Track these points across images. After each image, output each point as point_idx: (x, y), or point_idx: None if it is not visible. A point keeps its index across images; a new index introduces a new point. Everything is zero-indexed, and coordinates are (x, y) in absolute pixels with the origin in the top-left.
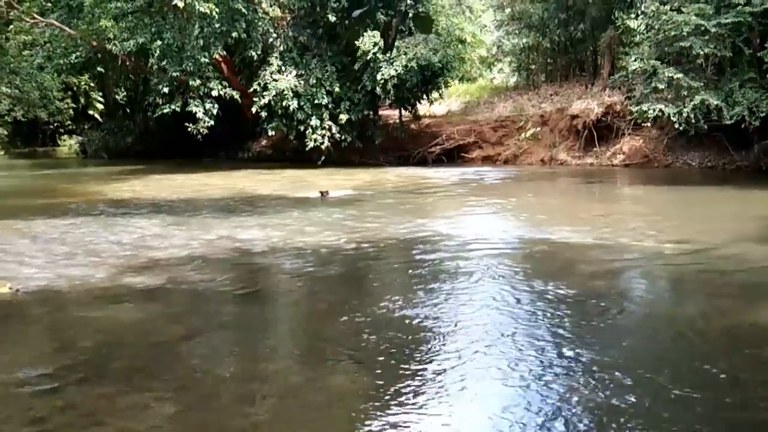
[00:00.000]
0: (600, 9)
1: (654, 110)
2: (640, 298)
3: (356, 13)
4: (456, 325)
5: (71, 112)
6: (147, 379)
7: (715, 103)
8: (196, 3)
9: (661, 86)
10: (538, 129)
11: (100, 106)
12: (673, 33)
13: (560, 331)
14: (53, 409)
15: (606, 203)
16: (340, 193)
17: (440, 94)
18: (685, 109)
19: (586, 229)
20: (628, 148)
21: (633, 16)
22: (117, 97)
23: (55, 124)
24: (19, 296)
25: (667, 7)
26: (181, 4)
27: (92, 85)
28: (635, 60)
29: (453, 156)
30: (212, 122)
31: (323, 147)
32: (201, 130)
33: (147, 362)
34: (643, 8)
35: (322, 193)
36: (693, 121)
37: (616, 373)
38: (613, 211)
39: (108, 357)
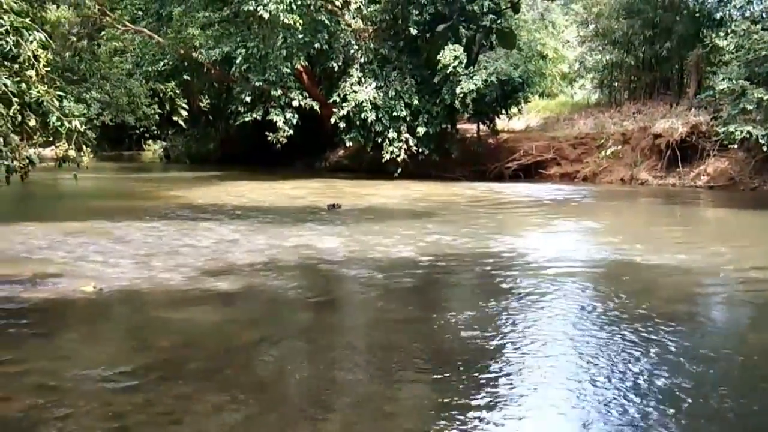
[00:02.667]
0: (687, 27)
1: (741, 132)
2: (721, 323)
3: (440, 27)
4: (527, 342)
5: (157, 117)
6: (222, 382)
7: None
8: (281, 14)
9: (749, 107)
10: (619, 147)
11: (184, 113)
12: (764, 53)
13: (634, 354)
14: (132, 406)
15: (687, 225)
16: (419, 205)
17: (519, 110)
18: None
19: (666, 251)
20: (712, 169)
21: (722, 34)
22: (201, 104)
23: (141, 129)
24: (102, 295)
25: (759, 26)
26: (266, 15)
27: (177, 92)
28: (723, 79)
29: (530, 172)
30: (291, 132)
31: (400, 159)
32: (280, 139)
33: (223, 365)
34: (733, 27)
35: (331, 205)
36: None
37: (692, 401)
38: (695, 234)
39: (185, 358)
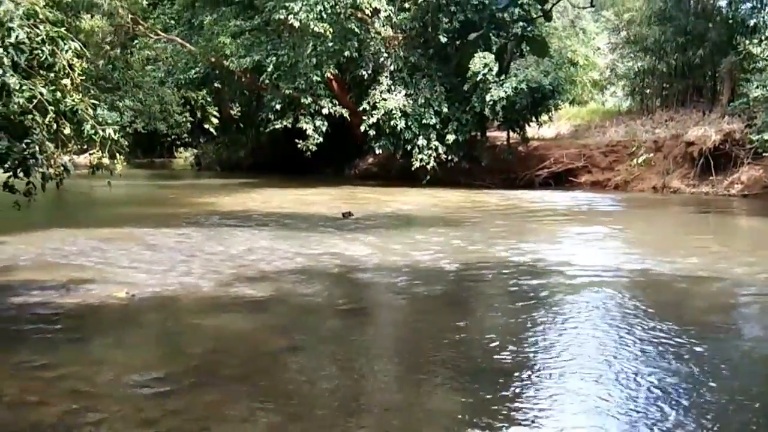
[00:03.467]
0: (721, 33)
1: None
2: (760, 335)
3: (472, 36)
4: (558, 351)
5: (188, 125)
6: (253, 388)
7: None
8: (311, 22)
9: None
10: (651, 155)
11: (215, 121)
12: None
13: (670, 366)
14: (164, 412)
15: (721, 234)
16: (448, 212)
17: (550, 117)
18: None
19: (700, 261)
20: (746, 177)
21: (756, 41)
22: (231, 112)
23: (173, 137)
24: (135, 301)
25: None
26: (296, 24)
27: (209, 99)
28: (757, 87)
29: (561, 180)
30: (321, 139)
31: (429, 167)
32: (310, 147)
33: (254, 371)
34: (767, 33)
35: (344, 214)
36: None
37: (730, 414)
38: (729, 243)
39: (217, 364)
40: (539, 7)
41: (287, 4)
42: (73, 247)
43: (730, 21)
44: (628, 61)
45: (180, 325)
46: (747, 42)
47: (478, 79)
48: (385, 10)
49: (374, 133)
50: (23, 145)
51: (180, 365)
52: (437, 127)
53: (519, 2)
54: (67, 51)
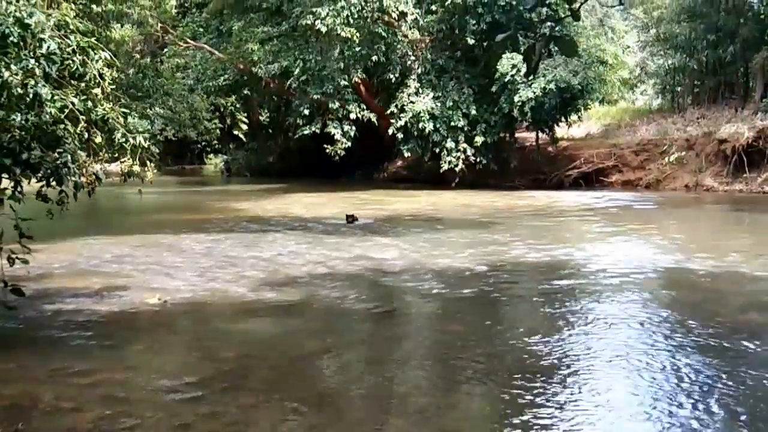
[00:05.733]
0: (752, 29)
1: None
2: None
3: (500, 37)
4: (592, 353)
5: (218, 131)
6: (285, 392)
7: None
8: (338, 27)
9: None
10: (683, 153)
11: (245, 127)
12: None
13: (704, 366)
14: (197, 416)
15: (757, 233)
16: (473, 215)
17: (579, 117)
18: None
19: (735, 259)
20: None
21: None
22: (260, 118)
23: (203, 143)
24: (167, 307)
25: None
26: (323, 29)
27: (238, 106)
28: None
29: (591, 180)
30: (349, 144)
31: (458, 169)
32: (339, 152)
33: (285, 376)
34: None
35: (349, 217)
36: None
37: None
38: (764, 241)
39: (249, 368)
40: (567, 6)
41: (314, 10)
42: (106, 254)
43: (762, 16)
44: (658, 59)
45: (212, 330)
46: None
47: (506, 80)
48: (412, 13)
49: (402, 136)
50: (55, 155)
51: (212, 370)
52: (465, 129)
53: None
54: (97, 61)
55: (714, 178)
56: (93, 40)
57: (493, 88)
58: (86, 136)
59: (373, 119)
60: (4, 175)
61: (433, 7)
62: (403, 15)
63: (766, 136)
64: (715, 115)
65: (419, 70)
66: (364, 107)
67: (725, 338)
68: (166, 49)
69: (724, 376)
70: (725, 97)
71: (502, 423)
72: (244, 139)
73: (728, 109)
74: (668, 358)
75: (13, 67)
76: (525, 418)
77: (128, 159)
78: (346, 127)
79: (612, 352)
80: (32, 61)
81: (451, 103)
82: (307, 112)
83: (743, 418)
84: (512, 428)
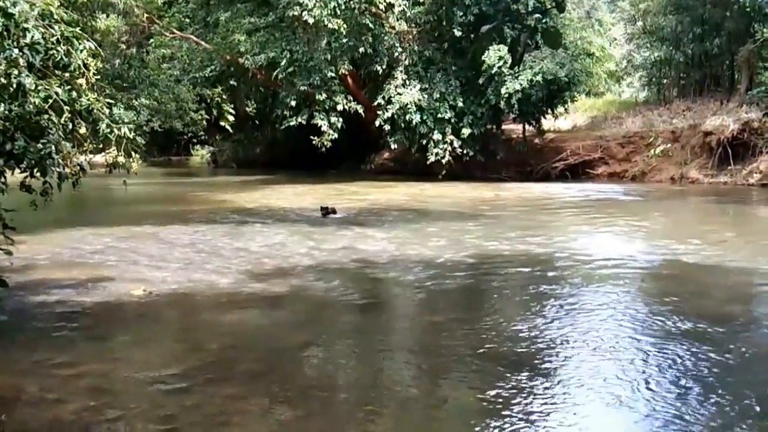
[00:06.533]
0: (738, 22)
1: None
2: None
3: (484, 28)
4: (578, 343)
5: (204, 123)
6: (270, 384)
7: None
8: (325, 19)
9: None
10: (669, 146)
11: (231, 118)
12: None
13: (687, 357)
14: (182, 408)
15: (741, 225)
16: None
17: (566, 109)
18: None
19: (720, 251)
20: (765, 166)
21: None
22: (247, 109)
23: (189, 135)
24: (152, 298)
25: None
26: (310, 20)
27: (224, 97)
28: None
29: (577, 172)
30: (336, 135)
31: (444, 161)
32: (325, 143)
33: (270, 367)
34: None
35: (324, 209)
36: None
37: (747, 407)
38: (749, 233)
39: (234, 360)
40: None
41: (301, 1)
42: (91, 245)
43: (747, 9)
44: (644, 51)
45: (197, 321)
46: (765, 30)
47: (492, 72)
48: (399, 5)
49: (389, 128)
50: (39, 145)
51: (197, 361)
52: (452, 121)
53: None
54: (82, 51)
55: (699, 170)
56: (78, 29)
57: (480, 80)
58: (71, 126)
59: (360, 111)
60: None
61: None
62: (390, 6)
63: (750, 128)
64: (701, 108)
65: (406, 62)
66: (351, 99)
67: (709, 328)
68: (152, 40)
69: (708, 364)
70: (711, 90)
71: (489, 414)
72: (230, 131)
73: (714, 102)
74: (653, 347)
75: None
76: (512, 409)
77: (113, 150)
78: (333, 119)
79: (594, 345)
80: (16, 50)
81: (438, 95)
82: (293, 103)
83: (733, 408)
84: (499, 419)
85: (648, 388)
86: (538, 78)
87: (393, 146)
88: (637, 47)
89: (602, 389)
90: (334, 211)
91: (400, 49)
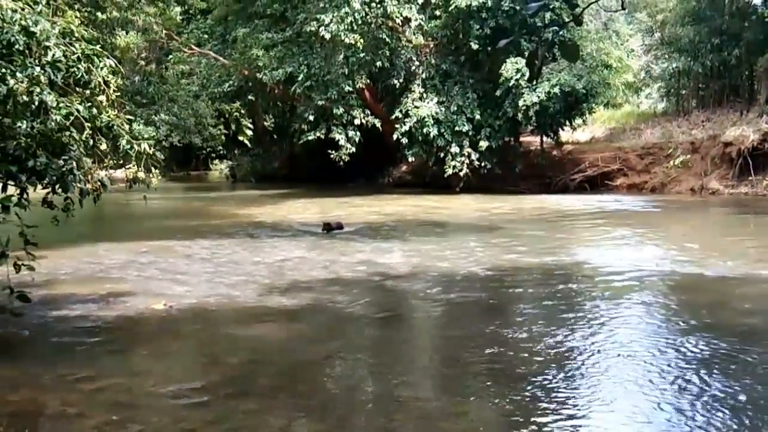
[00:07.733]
0: (756, 32)
1: None
2: None
3: (502, 42)
4: (596, 358)
5: (223, 138)
6: (290, 398)
7: None
8: (342, 34)
9: None
10: (688, 156)
11: (250, 133)
12: None
13: (707, 369)
14: (203, 422)
15: (762, 236)
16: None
17: (584, 121)
18: None
19: (740, 263)
20: None
21: None
22: (265, 123)
23: (208, 150)
24: (172, 312)
25: None
26: (327, 35)
27: (242, 112)
28: None
29: (596, 183)
30: (354, 149)
31: (462, 174)
32: (343, 157)
33: (290, 381)
34: None
35: (328, 225)
36: None
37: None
38: None
39: (254, 374)
40: (570, 11)
41: (318, 16)
42: (111, 260)
43: (766, 19)
44: (662, 62)
45: (217, 335)
46: None
47: (510, 84)
48: (416, 19)
49: (407, 141)
50: (61, 162)
51: (218, 375)
52: (470, 133)
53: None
54: (102, 68)
55: (719, 181)
56: (98, 47)
57: (498, 93)
58: (91, 143)
59: (378, 125)
60: (10, 182)
61: (437, 12)
62: (407, 20)
63: None
64: (720, 118)
65: (423, 75)
66: (369, 113)
67: (730, 342)
68: (170, 56)
69: (730, 381)
70: (730, 100)
71: (509, 427)
72: (249, 145)
73: (733, 112)
74: (673, 360)
75: (18, 74)
76: (533, 422)
77: (133, 165)
78: (351, 133)
79: (614, 358)
80: (38, 68)
81: (455, 108)
82: (311, 117)
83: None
84: None
85: (669, 403)
86: (556, 90)
87: (411, 159)
88: (655, 58)
89: (619, 405)
90: (340, 227)
91: (417, 63)
